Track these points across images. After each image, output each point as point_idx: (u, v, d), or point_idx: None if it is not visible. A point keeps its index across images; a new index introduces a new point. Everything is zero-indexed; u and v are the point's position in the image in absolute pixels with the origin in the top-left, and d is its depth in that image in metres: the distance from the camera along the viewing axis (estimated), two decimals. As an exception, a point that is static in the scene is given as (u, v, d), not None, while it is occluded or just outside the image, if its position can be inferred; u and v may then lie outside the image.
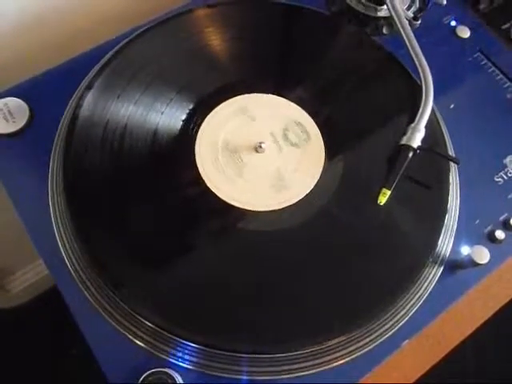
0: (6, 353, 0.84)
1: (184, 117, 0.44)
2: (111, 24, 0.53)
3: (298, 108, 0.46)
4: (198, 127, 0.44)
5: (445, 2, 0.52)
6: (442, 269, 0.43)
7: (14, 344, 0.86)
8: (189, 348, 0.37)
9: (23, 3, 0.49)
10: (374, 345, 0.40)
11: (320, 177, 0.43)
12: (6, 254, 0.79)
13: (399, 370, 0.42)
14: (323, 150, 0.44)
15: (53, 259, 0.40)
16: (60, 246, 0.40)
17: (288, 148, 0.45)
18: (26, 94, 0.45)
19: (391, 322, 0.40)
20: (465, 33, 0.53)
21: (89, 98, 0.43)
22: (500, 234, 0.44)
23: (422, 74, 0.46)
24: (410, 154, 0.43)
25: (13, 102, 0.45)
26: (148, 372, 0.36)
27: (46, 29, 0.53)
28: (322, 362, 0.39)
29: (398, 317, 0.40)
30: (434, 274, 0.42)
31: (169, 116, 0.44)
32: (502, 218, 0.45)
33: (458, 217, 0.44)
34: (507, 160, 0.48)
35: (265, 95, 0.46)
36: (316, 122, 0.45)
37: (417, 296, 0.41)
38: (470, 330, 0.45)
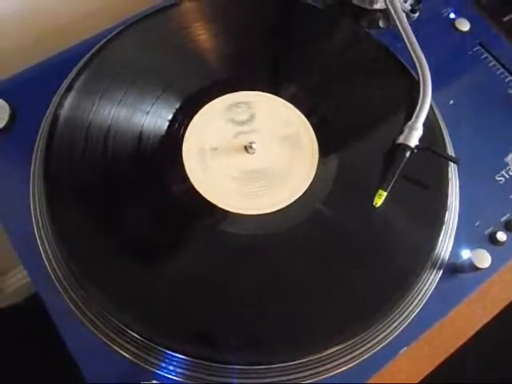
0: (0, 353, 0.83)
1: (170, 116, 0.43)
2: (94, 19, 0.52)
3: (291, 106, 0.45)
4: (186, 127, 0.43)
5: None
6: (441, 273, 0.42)
7: (8, 344, 0.85)
8: (176, 359, 0.36)
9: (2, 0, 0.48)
10: (372, 352, 0.38)
11: (313, 178, 0.42)
12: (-1, 254, 0.78)
13: (397, 375, 0.41)
14: (317, 150, 0.43)
15: (33, 263, 0.40)
16: (41, 251, 0.40)
17: (280, 148, 0.43)
18: (6, 92, 0.44)
19: (389, 329, 0.39)
20: (464, 25, 0.52)
21: (70, 98, 0.41)
22: (502, 236, 0.43)
23: (419, 69, 0.45)
24: (407, 154, 0.42)
25: (-7, 101, 0.43)
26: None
27: (26, 25, 0.52)
28: (317, 372, 0.37)
29: (396, 323, 0.39)
30: (432, 278, 0.41)
31: (155, 116, 0.42)
32: (503, 219, 0.44)
33: (458, 218, 0.43)
34: (509, 158, 0.47)
35: (255, 93, 0.45)
36: (309, 121, 0.44)
37: (415, 302, 0.40)
38: (469, 333, 0.44)
